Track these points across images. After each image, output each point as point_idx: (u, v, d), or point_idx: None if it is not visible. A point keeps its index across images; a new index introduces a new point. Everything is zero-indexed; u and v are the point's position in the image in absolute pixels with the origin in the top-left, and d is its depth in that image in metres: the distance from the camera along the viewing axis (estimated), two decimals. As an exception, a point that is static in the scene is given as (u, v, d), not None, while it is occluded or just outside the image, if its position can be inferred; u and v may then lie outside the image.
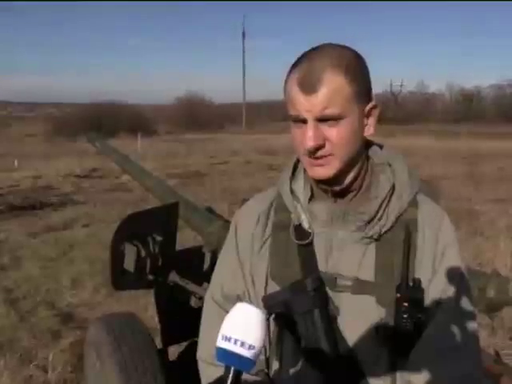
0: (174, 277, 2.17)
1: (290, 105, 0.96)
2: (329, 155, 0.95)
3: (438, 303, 0.97)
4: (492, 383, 1.69)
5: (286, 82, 0.97)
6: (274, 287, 1.03)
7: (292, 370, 1.00)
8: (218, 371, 0.97)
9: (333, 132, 0.93)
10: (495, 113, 44.14)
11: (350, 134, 0.95)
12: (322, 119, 0.92)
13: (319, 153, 0.94)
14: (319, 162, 0.96)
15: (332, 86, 0.91)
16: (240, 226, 1.13)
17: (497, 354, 1.95)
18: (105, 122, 29.07)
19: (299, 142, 0.96)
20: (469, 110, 45.56)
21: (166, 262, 2.15)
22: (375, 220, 0.99)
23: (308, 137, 0.93)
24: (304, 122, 0.94)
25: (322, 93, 0.90)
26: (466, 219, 6.39)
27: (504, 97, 46.80)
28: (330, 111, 0.91)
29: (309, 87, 0.91)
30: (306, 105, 0.92)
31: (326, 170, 0.96)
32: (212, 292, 1.16)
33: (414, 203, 1.02)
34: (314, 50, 0.96)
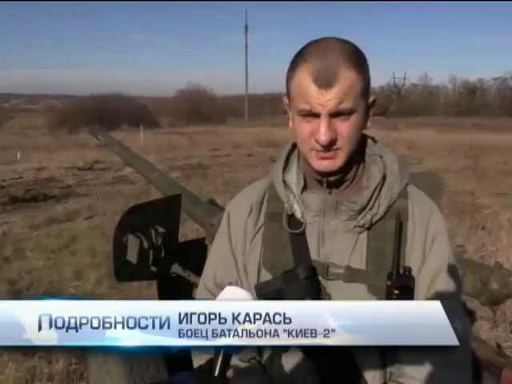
0: (176, 268, 2.18)
1: (300, 99, 0.95)
2: (337, 149, 0.96)
3: (427, 291, 0.99)
4: (493, 376, 1.69)
5: (292, 75, 0.97)
6: (266, 276, 1.05)
7: (284, 358, 1.03)
8: (207, 354, 0.99)
9: (344, 126, 0.94)
10: (499, 106, 43.93)
11: (358, 128, 0.97)
12: (335, 114, 0.93)
13: (330, 147, 0.96)
14: (327, 155, 0.97)
15: (346, 81, 0.92)
16: (233, 215, 1.15)
17: (499, 346, 1.95)
18: (107, 114, 29.02)
19: (307, 136, 0.97)
20: (472, 103, 45.37)
21: (168, 254, 2.15)
22: (366, 209, 1.01)
23: (322, 132, 0.93)
24: (315, 116, 0.94)
25: (338, 88, 0.91)
26: (469, 213, 6.39)
27: (507, 90, 46.56)
28: (343, 106, 0.92)
29: (324, 82, 0.91)
30: (321, 99, 0.92)
31: (333, 163, 0.98)
32: (205, 279, 1.17)
33: (404, 194, 1.04)
34: (320, 44, 0.96)
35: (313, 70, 0.92)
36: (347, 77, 0.91)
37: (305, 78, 0.93)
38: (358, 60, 0.94)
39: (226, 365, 0.74)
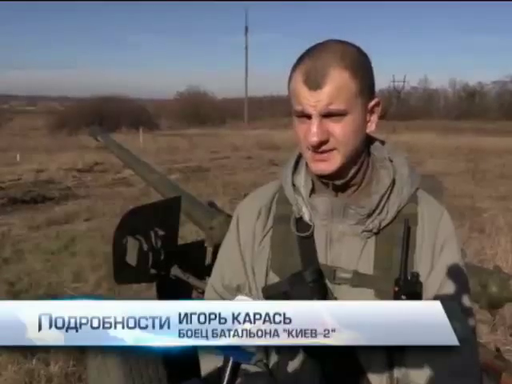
0: (175, 271, 2.18)
1: (294, 100, 0.96)
2: (332, 150, 0.96)
3: (435, 297, 0.98)
4: (493, 379, 1.69)
5: (290, 77, 0.98)
6: (274, 278, 1.05)
7: (290, 361, 1.02)
8: (216, 362, 0.98)
9: (337, 128, 0.94)
10: (498, 109, 43.96)
11: (354, 129, 0.96)
12: (327, 115, 0.93)
13: (323, 148, 0.96)
14: (322, 156, 0.97)
15: (337, 82, 0.92)
16: (242, 218, 1.14)
17: (498, 350, 1.95)
18: (106, 116, 29.01)
19: (303, 137, 0.98)
20: (471, 107, 45.41)
21: (168, 256, 2.15)
22: (375, 214, 1.01)
23: (312, 132, 0.94)
24: (308, 117, 0.95)
25: (327, 88, 0.91)
26: (468, 216, 6.38)
27: (507, 93, 46.59)
28: (334, 107, 0.92)
29: (314, 83, 0.92)
30: (311, 100, 0.93)
31: (328, 165, 0.98)
32: (213, 282, 1.17)
33: (414, 198, 1.04)
34: (317, 46, 0.97)
35: (304, 72, 0.93)
36: (338, 78, 0.91)
37: (297, 80, 0.95)
38: (354, 61, 0.94)
39: (234, 374, 0.74)
